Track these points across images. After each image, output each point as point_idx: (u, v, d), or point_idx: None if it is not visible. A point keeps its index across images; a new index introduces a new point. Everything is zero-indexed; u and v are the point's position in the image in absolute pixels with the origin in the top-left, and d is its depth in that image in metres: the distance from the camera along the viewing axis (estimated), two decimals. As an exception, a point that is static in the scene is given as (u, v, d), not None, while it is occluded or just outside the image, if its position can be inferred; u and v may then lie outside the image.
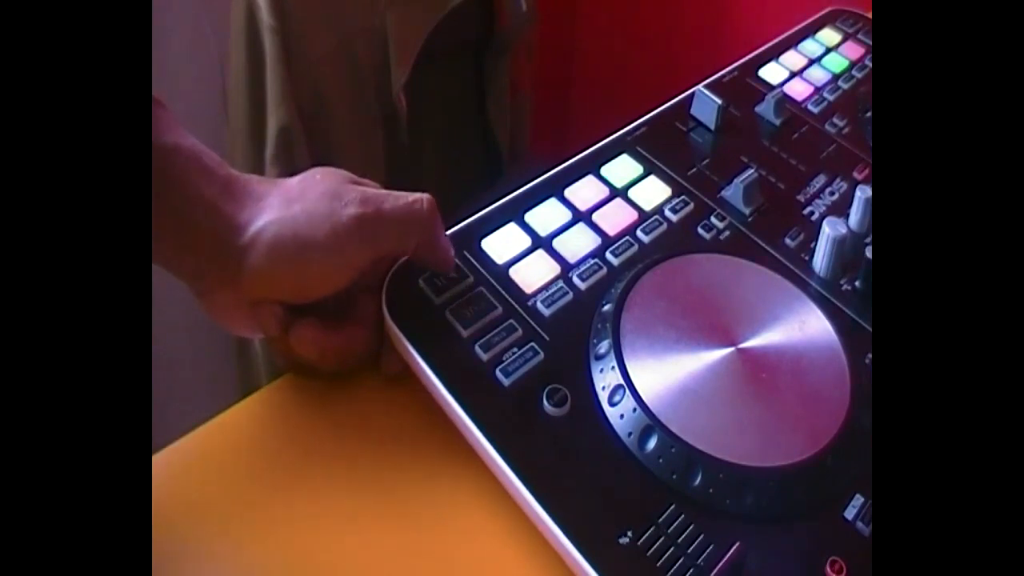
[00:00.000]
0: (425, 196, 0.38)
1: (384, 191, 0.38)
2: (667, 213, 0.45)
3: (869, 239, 0.45)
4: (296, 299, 0.37)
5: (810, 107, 0.55)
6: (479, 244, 0.42)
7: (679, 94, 0.54)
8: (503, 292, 0.40)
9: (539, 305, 0.39)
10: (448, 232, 0.41)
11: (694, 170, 0.48)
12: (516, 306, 0.39)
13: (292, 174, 0.38)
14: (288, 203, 0.36)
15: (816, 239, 0.43)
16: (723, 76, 0.57)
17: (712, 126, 0.51)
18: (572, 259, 0.42)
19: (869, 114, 0.54)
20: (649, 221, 0.44)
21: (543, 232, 0.43)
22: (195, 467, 0.37)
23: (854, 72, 0.59)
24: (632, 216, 0.44)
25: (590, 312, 0.39)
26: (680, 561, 0.31)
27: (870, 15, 0.65)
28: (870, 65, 0.60)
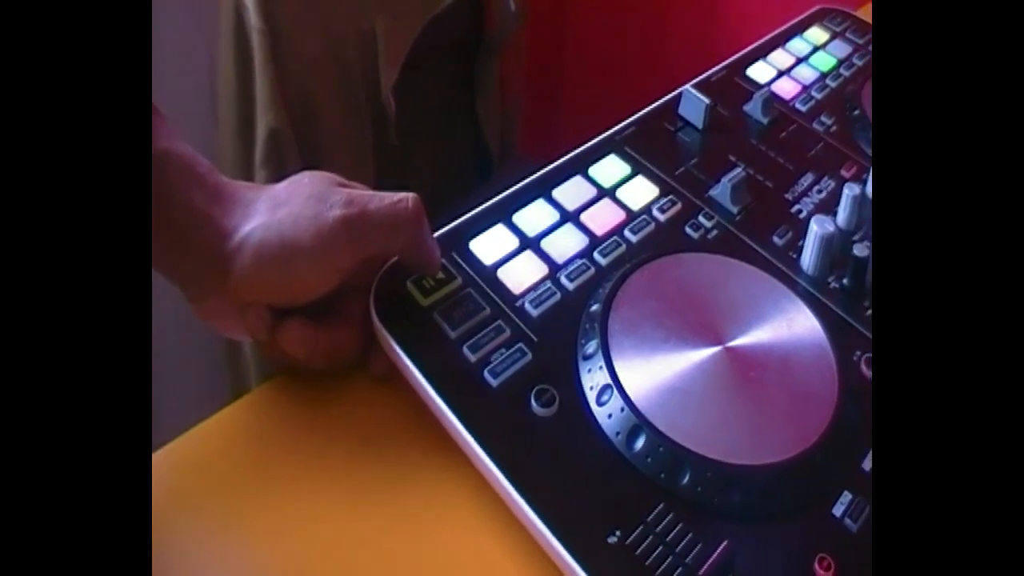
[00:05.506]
0: (410, 196, 0.38)
1: (370, 192, 0.38)
2: (655, 213, 0.45)
3: (857, 237, 0.45)
4: (284, 303, 0.37)
5: (798, 105, 0.55)
6: (467, 245, 0.42)
7: (667, 94, 0.54)
8: (491, 293, 0.40)
9: (527, 306, 0.39)
10: (436, 234, 0.41)
11: (682, 169, 0.48)
12: (504, 307, 0.39)
13: (281, 176, 0.38)
14: (274, 208, 0.36)
15: (804, 237, 0.43)
16: (711, 75, 0.57)
17: (700, 125, 0.51)
18: (560, 259, 0.42)
19: (857, 112, 0.54)
20: (637, 221, 0.44)
21: (531, 233, 0.43)
22: (187, 469, 0.37)
23: (841, 70, 0.59)
24: (620, 216, 0.45)
25: (578, 312, 0.39)
26: (668, 560, 0.31)
27: (857, 13, 0.65)
28: (857, 63, 0.60)
